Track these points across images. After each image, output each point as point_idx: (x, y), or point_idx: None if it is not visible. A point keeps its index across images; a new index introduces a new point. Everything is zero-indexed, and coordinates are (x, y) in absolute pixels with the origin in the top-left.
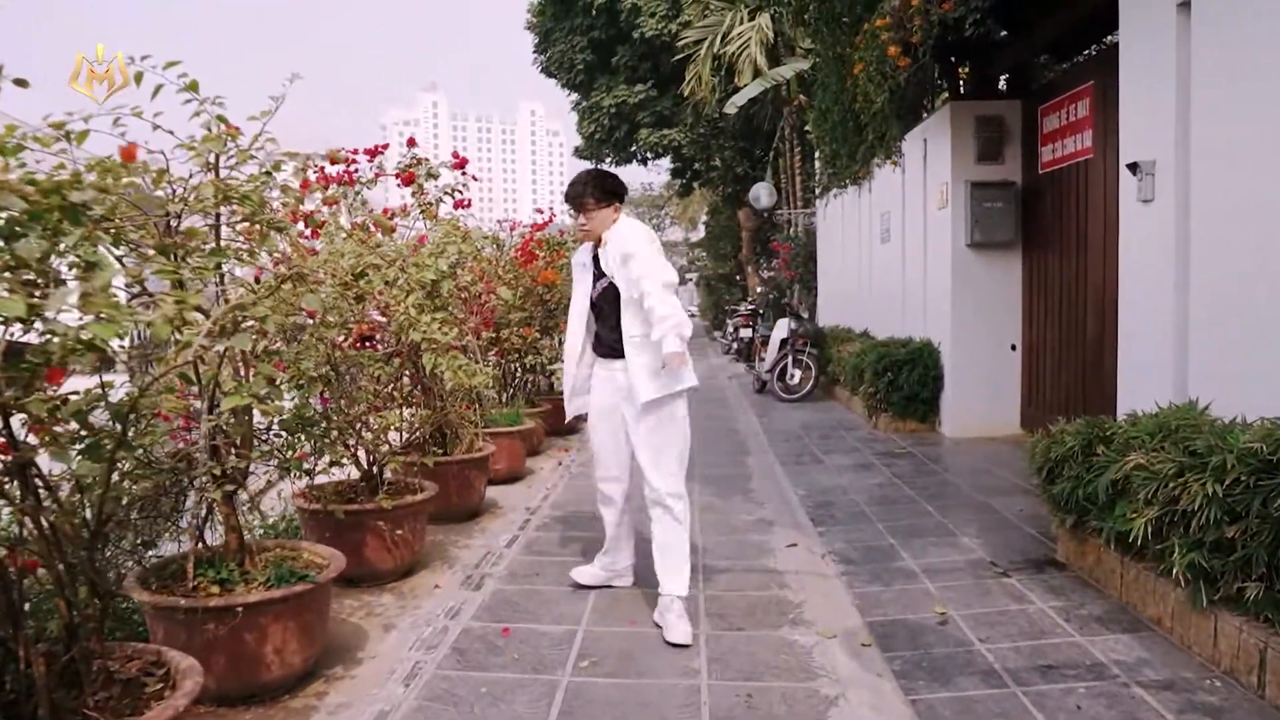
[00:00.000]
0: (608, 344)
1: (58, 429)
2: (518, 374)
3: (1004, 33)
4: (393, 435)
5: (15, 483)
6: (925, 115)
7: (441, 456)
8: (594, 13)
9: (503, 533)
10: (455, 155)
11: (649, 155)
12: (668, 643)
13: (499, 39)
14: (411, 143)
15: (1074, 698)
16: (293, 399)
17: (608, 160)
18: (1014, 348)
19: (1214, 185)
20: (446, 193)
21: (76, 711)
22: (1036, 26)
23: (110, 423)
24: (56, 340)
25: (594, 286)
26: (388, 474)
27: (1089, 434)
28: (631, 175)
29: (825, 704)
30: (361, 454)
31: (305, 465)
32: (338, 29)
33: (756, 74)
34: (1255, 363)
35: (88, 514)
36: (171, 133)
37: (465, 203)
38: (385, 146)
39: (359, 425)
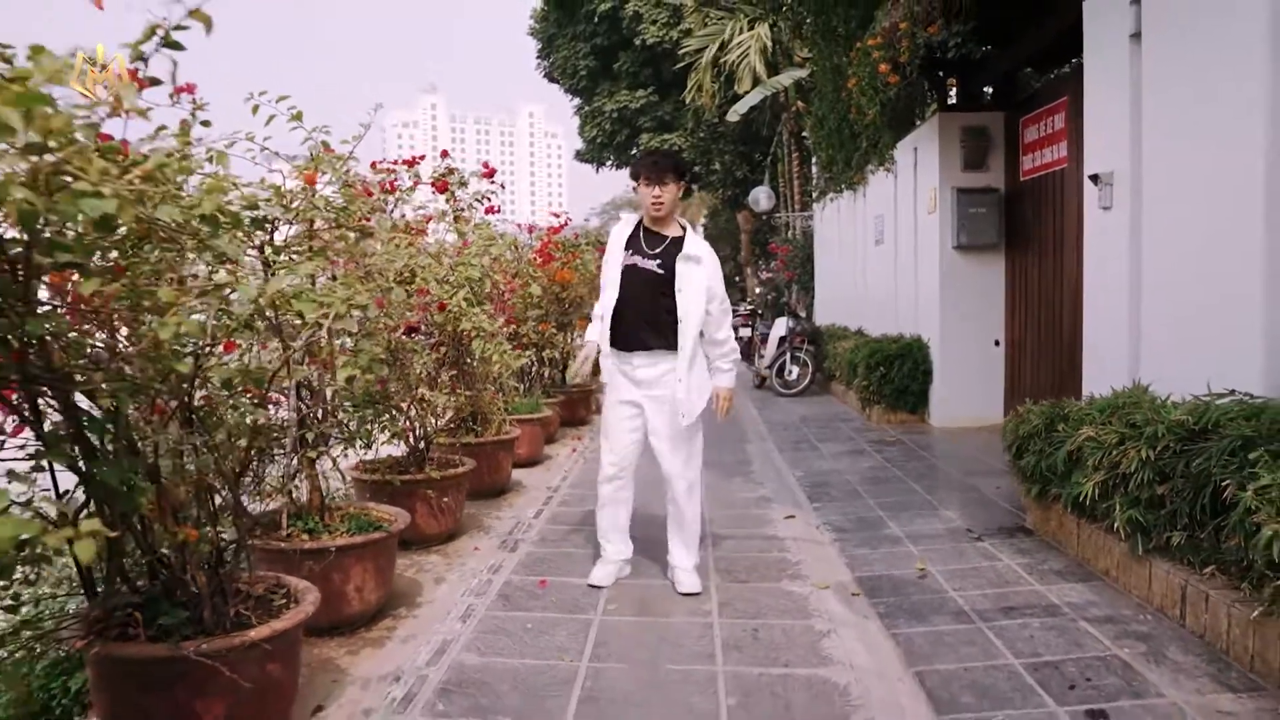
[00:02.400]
0: (631, 331)
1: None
2: (534, 366)
3: (988, 47)
4: (431, 418)
5: (186, 431)
6: (917, 124)
7: (475, 438)
8: (596, 20)
9: (529, 507)
10: (485, 166)
11: None
12: (680, 594)
13: (498, 43)
14: (445, 154)
15: (1029, 630)
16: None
17: (609, 164)
18: (997, 343)
19: (1160, 195)
20: (477, 199)
21: (228, 615)
22: (1017, 43)
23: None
24: (232, 319)
25: (641, 257)
26: (430, 451)
27: (1051, 414)
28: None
29: (819, 636)
30: (409, 432)
31: (370, 438)
32: (336, 29)
33: (756, 82)
34: (1190, 350)
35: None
36: (277, 153)
37: (495, 208)
38: (421, 158)
39: (410, 405)
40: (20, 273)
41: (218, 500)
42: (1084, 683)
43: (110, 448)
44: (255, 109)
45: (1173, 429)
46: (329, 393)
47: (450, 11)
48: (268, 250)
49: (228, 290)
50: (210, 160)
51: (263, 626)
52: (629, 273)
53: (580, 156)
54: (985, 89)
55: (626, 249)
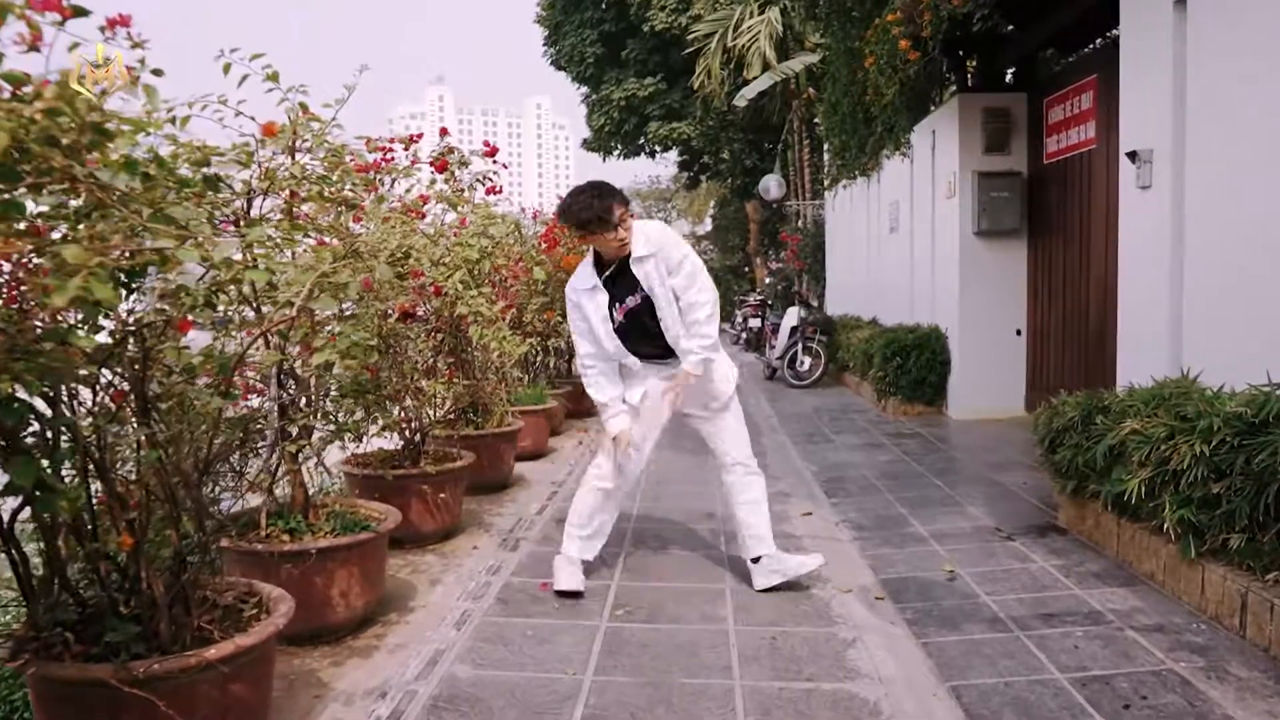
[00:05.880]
0: (653, 350)
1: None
2: (539, 356)
3: (1010, 27)
4: (429, 409)
5: (140, 421)
6: (933, 108)
7: (475, 429)
8: (604, 6)
9: (532, 502)
10: (486, 144)
11: (657, 148)
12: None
13: (506, 34)
14: (444, 132)
15: (1072, 639)
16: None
17: (616, 153)
18: (1019, 332)
19: (1207, 171)
20: (479, 180)
21: (188, 628)
22: (1041, 21)
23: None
24: (188, 297)
25: (620, 304)
26: (427, 444)
27: (1089, 405)
28: (639, 168)
29: (844, 645)
30: (405, 423)
31: (360, 430)
32: (341, 23)
33: (765, 67)
34: (1244, 336)
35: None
36: (253, 118)
37: (496, 189)
38: (420, 136)
39: (405, 395)
40: None
41: (185, 499)
42: (1139, 701)
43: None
44: (227, 68)
45: (1229, 421)
46: (313, 381)
47: (464, 8)
48: (243, 224)
49: (167, 255)
50: (174, 123)
51: (225, 643)
52: (628, 317)
53: (587, 145)
54: (1006, 72)
55: (612, 303)
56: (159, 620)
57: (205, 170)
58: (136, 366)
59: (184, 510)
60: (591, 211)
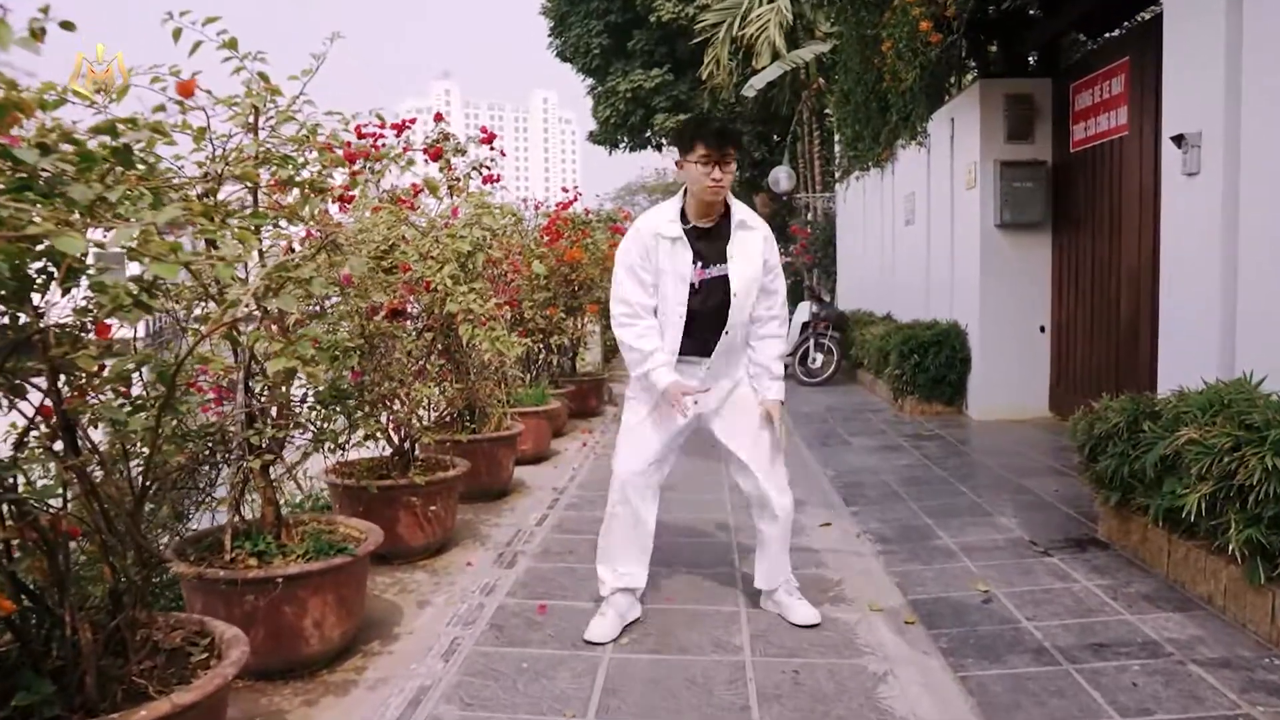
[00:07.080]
0: (699, 341)
1: (102, 390)
2: (541, 354)
3: (1034, 11)
4: (421, 413)
5: (61, 444)
6: (948, 96)
7: (471, 434)
8: None
9: (532, 511)
10: (483, 130)
11: (664, 140)
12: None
13: (507, 32)
14: (439, 118)
15: (1129, 675)
16: (327, 371)
17: (622, 146)
18: (1043, 329)
19: (1268, 155)
20: (475, 168)
21: (123, 680)
22: (1067, 2)
23: (150, 386)
24: (107, 296)
25: (704, 268)
26: (418, 451)
27: (1134, 410)
28: (645, 160)
29: (874, 681)
30: (394, 429)
31: (340, 439)
32: (345, 18)
33: (775, 57)
34: None
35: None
36: (209, 92)
37: (494, 177)
38: (413, 121)
39: (392, 399)
40: None
41: (120, 529)
42: None
43: None
44: (177, 33)
45: None
46: (284, 388)
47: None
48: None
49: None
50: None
51: (159, 702)
52: (705, 288)
53: (594, 138)
54: (1029, 56)
55: (694, 262)
56: (84, 672)
57: (106, 140)
58: (58, 379)
59: (121, 541)
60: (728, 130)
